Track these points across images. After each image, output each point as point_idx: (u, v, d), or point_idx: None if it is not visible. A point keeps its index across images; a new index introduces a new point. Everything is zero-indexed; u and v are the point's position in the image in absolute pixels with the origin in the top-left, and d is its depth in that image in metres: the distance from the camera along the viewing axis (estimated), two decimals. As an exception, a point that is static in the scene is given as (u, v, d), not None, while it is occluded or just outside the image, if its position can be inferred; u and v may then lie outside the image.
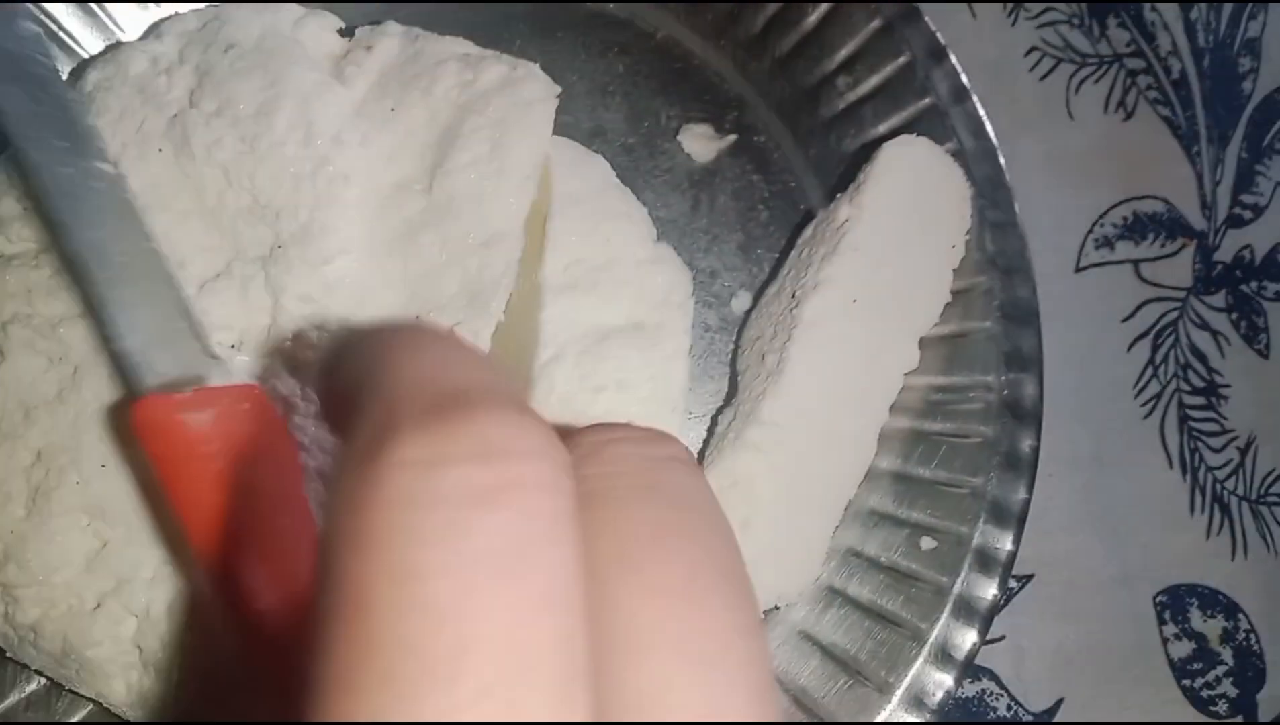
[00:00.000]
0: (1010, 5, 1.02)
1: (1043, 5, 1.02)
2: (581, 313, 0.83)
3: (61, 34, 0.88)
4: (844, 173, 0.92)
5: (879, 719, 0.83)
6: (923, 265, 0.87)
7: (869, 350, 0.84)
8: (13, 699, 0.81)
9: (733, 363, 0.92)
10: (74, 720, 0.81)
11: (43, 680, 0.81)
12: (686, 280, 0.86)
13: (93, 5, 0.88)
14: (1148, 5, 1.03)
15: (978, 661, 0.84)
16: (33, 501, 0.75)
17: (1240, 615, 0.97)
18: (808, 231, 0.90)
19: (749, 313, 0.92)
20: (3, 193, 0.80)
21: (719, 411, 0.89)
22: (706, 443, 0.88)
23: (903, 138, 0.87)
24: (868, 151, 0.90)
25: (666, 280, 0.85)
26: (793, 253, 0.90)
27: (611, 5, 0.93)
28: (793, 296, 0.85)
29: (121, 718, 0.78)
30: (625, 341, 0.82)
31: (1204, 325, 1.00)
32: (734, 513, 0.81)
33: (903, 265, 0.86)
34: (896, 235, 0.85)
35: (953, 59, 0.88)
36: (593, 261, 0.84)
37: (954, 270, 0.87)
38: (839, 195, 0.88)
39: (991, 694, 0.93)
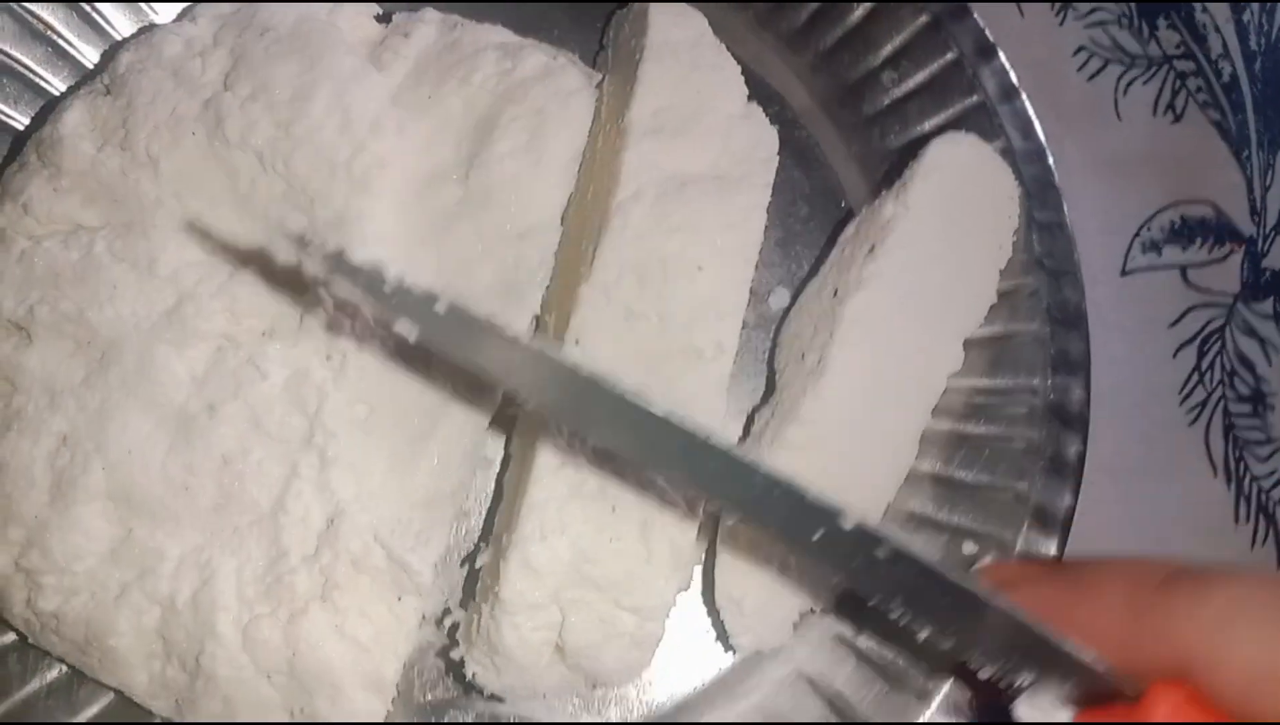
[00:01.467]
0: (1059, 4, 1.00)
1: (1091, 5, 1.00)
2: (665, 157, 0.81)
3: (94, 14, 0.87)
4: (888, 170, 0.90)
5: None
6: (969, 265, 0.85)
7: (912, 350, 0.82)
8: (34, 685, 0.79)
9: (770, 361, 0.90)
10: (95, 709, 0.80)
11: (64, 668, 0.80)
12: (773, 138, 0.84)
13: (127, -14, 0.87)
14: (1199, 6, 1.01)
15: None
16: (56, 488, 0.74)
17: (1286, 630, 0.94)
18: (850, 229, 0.88)
19: (788, 310, 0.90)
20: (33, 173, 0.79)
21: (756, 409, 0.87)
22: (742, 441, 0.87)
23: (951, 135, 0.85)
24: (912, 149, 0.88)
25: (753, 136, 0.83)
26: (835, 250, 0.88)
27: (652, -3, 0.91)
28: (835, 294, 0.83)
29: (143, 708, 0.77)
30: (705, 189, 0.80)
31: (1251, 332, 0.98)
32: None
33: (949, 264, 0.84)
34: (943, 234, 0.83)
35: (1002, 56, 0.87)
36: (682, 110, 0.82)
37: (1000, 271, 0.86)
38: (884, 192, 0.86)
39: (1030, 705, 0.91)
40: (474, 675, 0.76)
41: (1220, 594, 0.55)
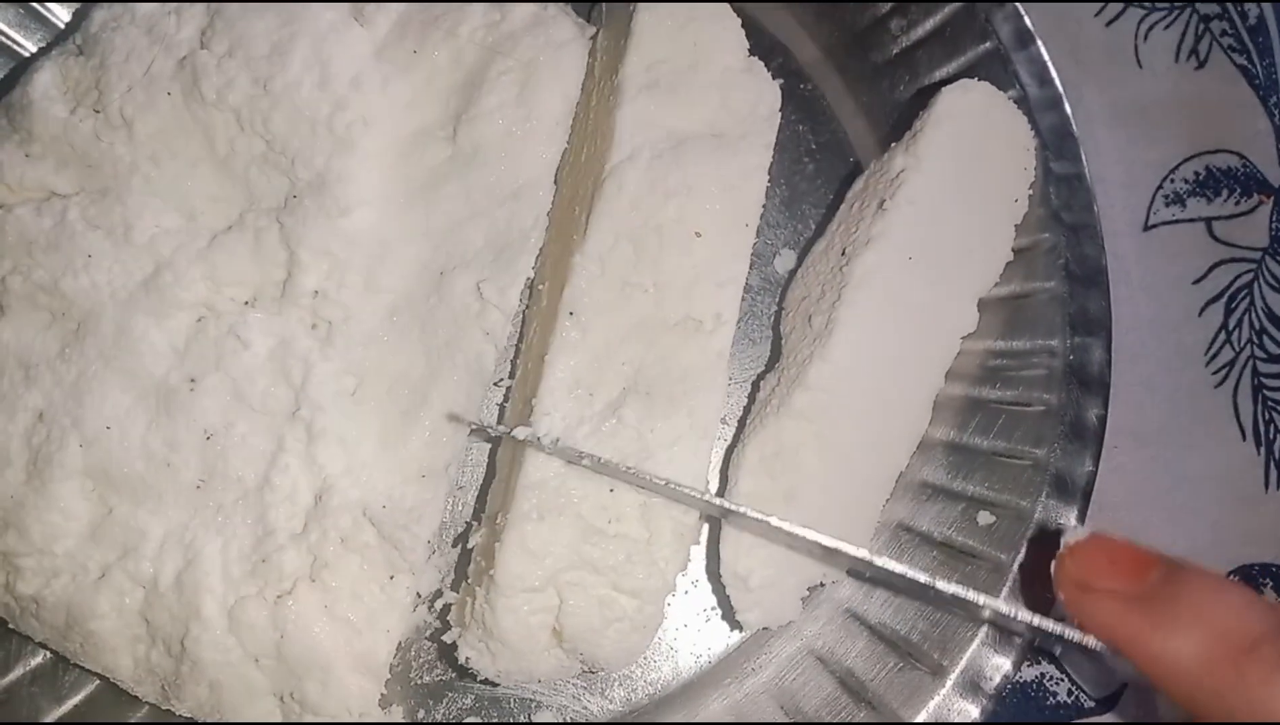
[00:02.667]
0: (1075, -55, 0.95)
1: (1110, -55, 0.96)
2: (661, 114, 0.78)
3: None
4: (897, 121, 0.86)
5: (932, 703, 0.78)
6: (983, 221, 0.81)
7: (924, 312, 0.79)
8: (17, 673, 0.77)
9: (776, 326, 0.86)
10: (80, 696, 0.78)
11: (47, 654, 0.77)
12: (775, 94, 0.80)
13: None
14: (1223, -55, 0.96)
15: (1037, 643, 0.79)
16: (33, 465, 0.72)
17: (1317, 597, 0.91)
18: (859, 184, 0.84)
19: (794, 272, 0.86)
20: (3, 138, 0.75)
21: (761, 377, 0.84)
22: (747, 410, 0.83)
23: (963, 82, 0.81)
24: (924, 98, 0.84)
25: (754, 91, 0.80)
26: (842, 207, 0.85)
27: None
28: (842, 253, 0.80)
29: (129, 693, 0.74)
30: (703, 149, 0.77)
31: (1281, 288, 0.94)
32: (778, 483, 0.76)
33: (962, 220, 0.80)
34: (956, 188, 0.79)
35: (1016, 2, 0.82)
36: (678, 62, 0.79)
37: (1016, 226, 0.82)
38: (893, 145, 0.82)
39: (1052, 678, 0.88)
40: (467, 660, 0.73)
41: None
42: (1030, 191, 0.82)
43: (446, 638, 0.76)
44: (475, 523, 0.81)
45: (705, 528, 0.80)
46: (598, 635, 0.72)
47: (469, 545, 0.78)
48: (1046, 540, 0.77)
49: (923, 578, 0.68)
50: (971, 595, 0.67)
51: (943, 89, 0.81)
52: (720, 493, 0.79)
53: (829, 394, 0.76)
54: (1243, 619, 0.57)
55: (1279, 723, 0.54)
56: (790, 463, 0.77)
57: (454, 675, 0.81)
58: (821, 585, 0.80)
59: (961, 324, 0.81)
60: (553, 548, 0.71)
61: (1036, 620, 0.66)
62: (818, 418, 0.76)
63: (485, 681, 0.74)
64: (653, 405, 0.75)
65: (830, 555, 0.72)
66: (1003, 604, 0.68)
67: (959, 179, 0.80)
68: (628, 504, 0.72)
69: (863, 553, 0.69)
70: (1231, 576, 0.90)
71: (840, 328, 0.77)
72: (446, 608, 0.78)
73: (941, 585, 0.67)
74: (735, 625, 0.82)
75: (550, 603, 0.72)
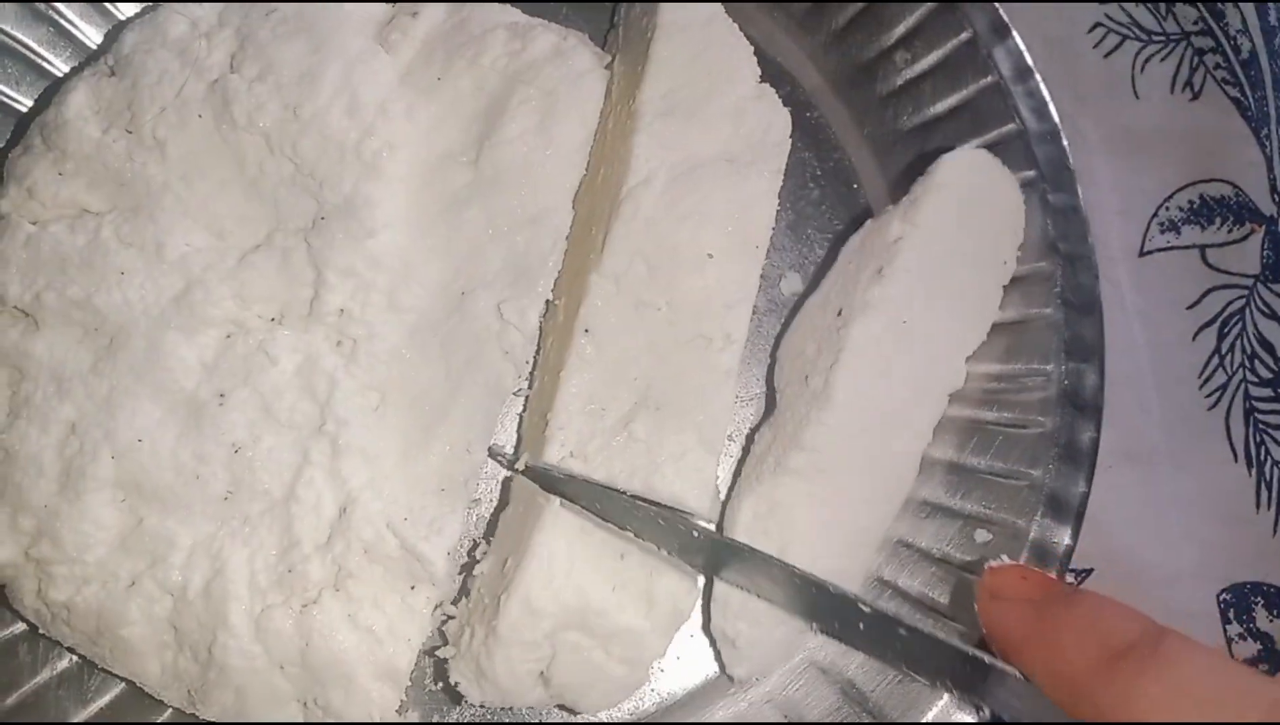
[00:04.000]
0: (1075, -21, 0.98)
1: (1108, -21, 0.99)
2: (675, 140, 0.80)
3: (99, -5, 0.85)
4: (900, 175, 0.90)
5: (929, 716, 0.80)
6: (975, 284, 0.84)
7: (916, 374, 0.81)
8: (44, 676, 0.79)
9: (770, 377, 0.88)
10: (106, 699, 0.80)
11: (74, 658, 0.79)
12: (785, 121, 0.83)
13: (131, -34, 0.86)
14: (1217, -19, 0.99)
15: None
16: (66, 476, 0.74)
17: (1307, 616, 0.94)
18: (855, 241, 0.87)
19: (786, 324, 0.88)
20: (38, 156, 0.78)
21: (755, 429, 0.86)
22: (742, 462, 0.85)
23: (961, 151, 0.84)
24: (926, 131, 0.88)
25: (765, 118, 0.82)
26: (838, 263, 0.87)
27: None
28: (839, 314, 0.82)
29: (155, 698, 0.76)
30: (716, 173, 0.80)
31: (1272, 314, 0.97)
32: (771, 540, 0.79)
33: (955, 284, 0.83)
34: (951, 253, 0.82)
35: (1016, 36, 0.85)
36: (693, 90, 0.82)
37: (1004, 287, 0.85)
38: (890, 207, 0.85)
39: (1045, 691, 0.91)
40: (456, 685, 0.76)
41: (1170, 674, 0.57)
42: (1018, 253, 0.85)
43: (440, 653, 0.78)
44: (486, 541, 0.83)
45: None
46: (583, 689, 0.75)
47: (475, 572, 0.80)
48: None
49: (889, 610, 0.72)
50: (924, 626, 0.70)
51: (942, 157, 0.84)
52: None
53: (824, 455, 0.79)
54: (1120, 626, 0.61)
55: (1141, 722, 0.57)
56: (785, 520, 0.79)
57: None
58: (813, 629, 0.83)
59: (951, 383, 0.84)
60: (555, 608, 0.73)
61: (959, 643, 0.69)
62: (813, 477, 0.79)
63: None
64: (662, 420, 0.78)
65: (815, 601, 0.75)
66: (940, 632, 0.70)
67: (954, 245, 0.83)
68: (634, 572, 0.74)
69: (852, 592, 0.73)
70: (1224, 595, 0.93)
71: (837, 391, 0.79)
72: (446, 618, 0.80)
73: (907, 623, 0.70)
74: (726, 675, 0.84)
75: (543, 654, 0.74)
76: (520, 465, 0.78)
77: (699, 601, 0.79)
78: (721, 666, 0.83)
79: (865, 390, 0.79)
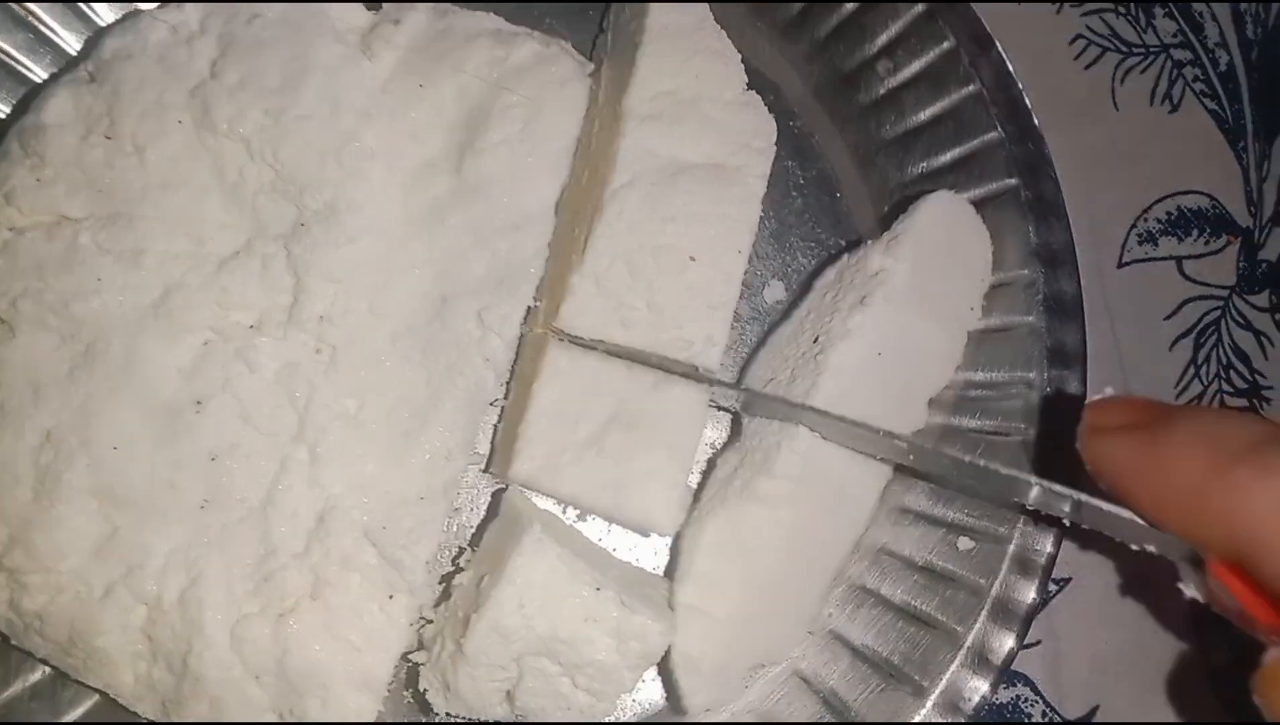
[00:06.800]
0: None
1: (1088, -9, 0.99)
2: (661, 144, 0.81)
3: (79, 0, 0.85)
4: (882, 185, 0.91)
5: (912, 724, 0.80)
6: (944, 326, 0.85)
7: (885, 409, 0.81)
8: (16, 688, 0.78)
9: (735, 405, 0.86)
10: (79, 711, 0.79)
11: (47, 670, 0.78)
12: (771, 128, 0.83)
13: (111, -29, 0.85)
14: (1195, -6, 1.00)
15: (1013, 666, 0.81)
16: (40, 484, 0.73)
17: (1281, 623, 0.94)
18: (830, 275, 0.86)
19: (754, 355, 0.88)
20: (16, 163, 0.77)
21: (718, 454, 0.85)
22: (702, 485, 0.84)
23: (942, 193, 0.85)
24: (908, 140, 0.88)
25: (751, 124, 0.83)
26: (811, 296, 0.86)
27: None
28: (815, 341, 0.82)
29: (128, 710, 0.76)
30: (700, 178, 0.80)
31: (1247, 325, 0.98)
32: (732, 565, 0.78)
33: (927, 324, 0.83)
34: (926, 293, 0.83)
35: (998, 46, 0.86)
36: (680, 95, 0.82)
37: (969, 333, 0.86)
38: (868, 242, 0.84)
39: (1026, 700, 0.91)
40: (424, 692, 0.76)
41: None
42: (983, 302, 0.86)
43: (413, 657, 0.77)
44: (472, 548, 0.83)
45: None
46: (547, 714, 0.75)
47: (455, 580, 0.79)
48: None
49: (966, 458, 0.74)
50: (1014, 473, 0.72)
51: (924, 198, 0.84)
52: (670, 572, 0.81)
53: (793, 482, 0.78)
54: (1238, 430, 0.60)
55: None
56: (746, 546, 0.78)
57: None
58: (763, 666, 0.83)
59: (914, 423, 0.84)
60: (525, 634, 0.72)
61: (1059, 488, 0.70)
62: (779, 505, 0.78)
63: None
64: (635, 436, 0.78)
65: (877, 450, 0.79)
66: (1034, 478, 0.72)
67: (930, 285, 0.83)
68: (608, 606, 0.73)
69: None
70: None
71: (815, 419, 0.78)
72: (424, 622, 0.78)
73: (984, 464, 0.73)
74: (678, 710, 0.81)
75: (510, 675, 0.74)
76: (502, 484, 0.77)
77: (670, 639, 0.77)
78: (675, 702, 0.81)
79: (843, 426, 0.79)
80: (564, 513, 0.86)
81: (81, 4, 0.85)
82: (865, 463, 0.82)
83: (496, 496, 0.85)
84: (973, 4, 0.85)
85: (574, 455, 0.78)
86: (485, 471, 0.84)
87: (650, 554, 0.87)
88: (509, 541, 0.75)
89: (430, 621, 0.78)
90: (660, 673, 0.83)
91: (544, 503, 0.84)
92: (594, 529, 0.86)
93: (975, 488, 0.78)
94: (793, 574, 0.80)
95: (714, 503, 0.80)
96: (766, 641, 0.81)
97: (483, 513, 0.86)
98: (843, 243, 0.91)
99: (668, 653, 0.77)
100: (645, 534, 0.85)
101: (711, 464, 0.85)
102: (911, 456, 0.77)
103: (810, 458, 0.78)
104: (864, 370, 0.80)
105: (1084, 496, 0.69)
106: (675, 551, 0.81)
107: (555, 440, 0.78)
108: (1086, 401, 0.69)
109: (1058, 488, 0.70)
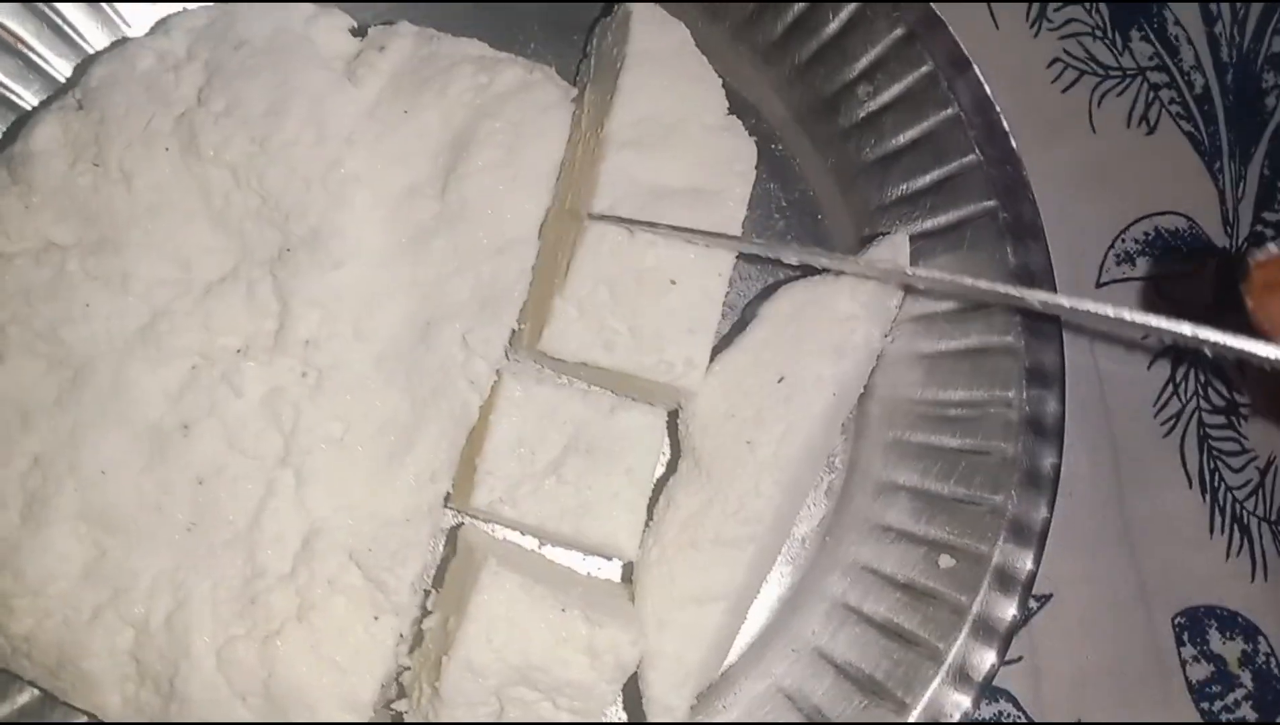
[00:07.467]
0: (1033, 13, 1.00)
1: (1065, 16, 1.00)
2: (642, 169, 0.81)
3: (67, 29, 0.86)
4: (863, 207, 0.92)
5: (894, 741, 0.81)
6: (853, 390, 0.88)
7: (826, 445, 0.84)
8: (4, 710, 0.79)
9: (683, 430, 0.84)
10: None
11: (35, 692, 0.79)
12: (752, 152, 0.84)
13: (99, 1, 0.86)
14: (1171, 19, 1.01)
15: (994, 682, 0.82)
16: (29, 509, 0.73)
17: (1260, 638, 0.95)
18: (785, 306, 0.84)
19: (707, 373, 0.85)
20: (4, 189, 0.77)
21: (666, 479, 0.83)
22: (651, 512, 0.83)
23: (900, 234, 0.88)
24: (888, 162, 0.89)
25: (731, 148, 0.83)
26: (764, 323, 0.84)
27: (628, 9, 0.91)
28: (780, 380, 0.81)
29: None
30: (682, 201, 0.81)
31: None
32: (702, 609, 0.79)
33: (856, 385, 0.87)
34: (878, 338, 0.87)
35: (976, 70, 0.87)
36: (661, 120, 0.83)
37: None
38: (826, 275, 0.84)
39: (1008, 716, 0.92)
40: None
41: None
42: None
43: (395, 706, 0.78)
44: (436, 590, 0.82)
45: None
46: None
47: (424, 625, 0.79)
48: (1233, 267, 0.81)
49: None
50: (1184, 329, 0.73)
51: (893, 237, 0.88)
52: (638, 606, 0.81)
53: (761, 526, 0.79)
54: None
55: None
56: (711, 585, 0.79)
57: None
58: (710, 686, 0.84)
59: (821, 467, 0.89)
60: (499, 667, 0.73)
61: (1226, 340, 0.71)
62: (745, 546, 0.79)
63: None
64: (593, 463, 0.80)
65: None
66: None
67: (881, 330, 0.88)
68: (576, 625, 0.73)
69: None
70: (1178, 618, 0.95)
71: (791, 466, 0.79)
72: (401, 669, 0.79)
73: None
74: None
75: (492, 708, 0.74)
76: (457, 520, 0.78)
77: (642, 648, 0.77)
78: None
79: (808, 466, 0.82)
80: (523, 539, 0.86)
81: (71, 31, 0.86)
82: (802, 499, 0.87)
83: (453, 533, 0.86)
84: (950, 28, 0.86)
85: (534, 484, 0.79)
86: (445, 506, 0.83)
87: (611, 562, 0.87)
88: (468, 579, 0.75)
89: (407, 668, 0.78)
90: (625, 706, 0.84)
91: (505, 532, 0.85)
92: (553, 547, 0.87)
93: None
94: (734, 611, 0.82)
95: (681, 543, 0.80)
96: (720, 660, 0.84)
97: (442, 552, 0.86)
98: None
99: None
100: (608, 558, 0.86)
101: (667, 491, 0.82)
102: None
103: (782, 501, 0.80)
104: (823, 415, 0.81)
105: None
106: (641, 589, 0.80)
107: (514, 470, 0.79)
108: (1251, 260, 0.71)
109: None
